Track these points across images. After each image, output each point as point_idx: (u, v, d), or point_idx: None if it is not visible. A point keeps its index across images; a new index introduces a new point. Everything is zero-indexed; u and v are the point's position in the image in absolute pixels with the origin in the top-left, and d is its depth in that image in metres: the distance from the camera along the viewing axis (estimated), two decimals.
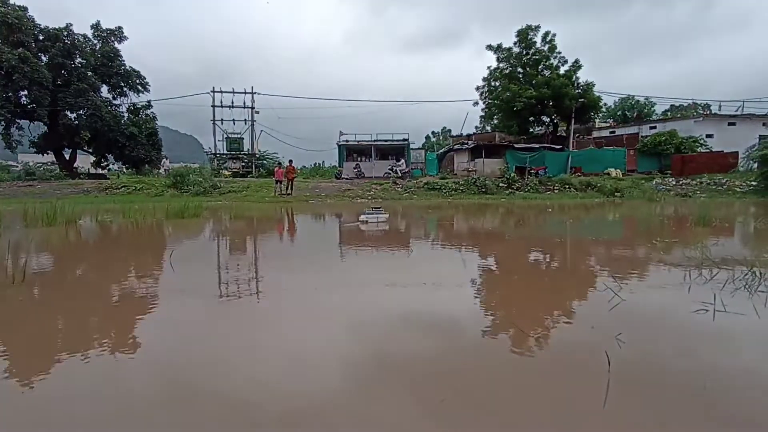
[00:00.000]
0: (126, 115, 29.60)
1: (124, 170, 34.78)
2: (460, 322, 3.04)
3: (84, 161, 34.40)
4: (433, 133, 64.75)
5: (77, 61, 27.22)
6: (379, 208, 10.88)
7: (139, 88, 29.56)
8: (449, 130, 56.65)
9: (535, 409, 1.85)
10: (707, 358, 2.43)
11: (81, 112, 27.00)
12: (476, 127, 42.67)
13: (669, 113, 46.93)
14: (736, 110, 33.74)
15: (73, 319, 3.13)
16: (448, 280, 4.38)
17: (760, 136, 26.28)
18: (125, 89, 29.24)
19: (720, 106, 37.35)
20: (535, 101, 27.17)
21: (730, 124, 31.40)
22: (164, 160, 28.78)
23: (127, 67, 28.88)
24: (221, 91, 32.41)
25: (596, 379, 2.07)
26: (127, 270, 4.95)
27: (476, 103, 31.65)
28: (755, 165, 21.97)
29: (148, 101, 30.73)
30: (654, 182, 23.36)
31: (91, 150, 30.17)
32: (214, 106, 32.28)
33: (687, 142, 27.87)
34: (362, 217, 9.98)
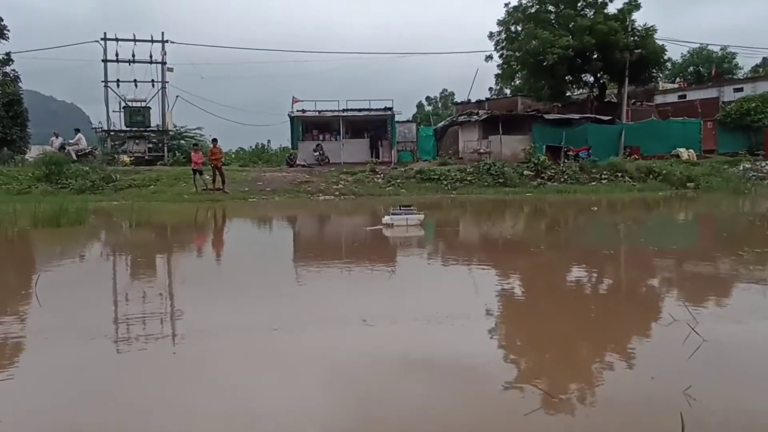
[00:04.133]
0: None
1: None
2: (473, 371, 3.04)
3: None
4: (428, 99, 64.94)
5: None
6: (410, 206, 11.01)
7: None
8: (452, 95, 57.07)
9: None
10: None
11: None
12: (490, 89, 43.15)
13: (761, 69, 48.24)
14: None
15: None
16: (455, 311, 4.37)
17: None
18: None
19: None
20: (573, 53, 27.51)
21: None
22: (52, 138, 27.80)
23: None
24: (116, 39, 31.63)
25: None
26: None
27: (490, 57, 31.83)
28: None
29: (7, 54, 30.02)
30: (741, 167, 23.91)
31: None
32: (106, 61, 31.45)
33: None
34: (386, 219, 10.46)
